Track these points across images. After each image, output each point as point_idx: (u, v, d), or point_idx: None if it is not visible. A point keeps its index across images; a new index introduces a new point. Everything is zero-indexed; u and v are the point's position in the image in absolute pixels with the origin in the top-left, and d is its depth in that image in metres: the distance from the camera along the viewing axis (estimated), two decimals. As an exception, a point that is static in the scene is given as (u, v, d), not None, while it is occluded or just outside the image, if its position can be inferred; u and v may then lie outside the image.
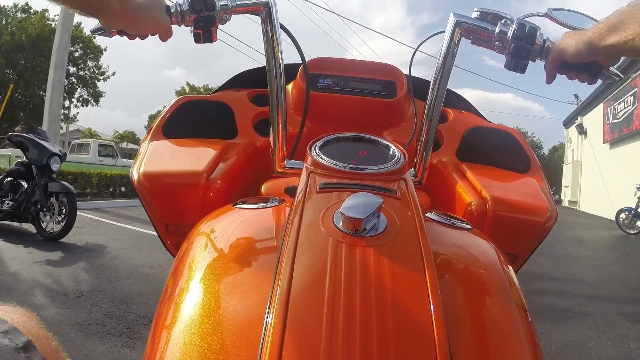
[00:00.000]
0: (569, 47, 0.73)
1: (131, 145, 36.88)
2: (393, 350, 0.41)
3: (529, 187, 1.09)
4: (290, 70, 1.10)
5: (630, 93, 12.94)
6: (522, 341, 0.53)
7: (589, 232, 9.80)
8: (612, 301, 3.86)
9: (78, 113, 25.75)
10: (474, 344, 0.50)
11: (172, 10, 0.76)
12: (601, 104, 16.00)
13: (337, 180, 0.71)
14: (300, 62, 1.06)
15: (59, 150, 5.30)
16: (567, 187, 21.29)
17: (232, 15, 0.80)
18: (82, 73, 23.62)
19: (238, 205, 0.73)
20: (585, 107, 19.20)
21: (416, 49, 1.09)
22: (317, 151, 0.80)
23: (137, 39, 0.76)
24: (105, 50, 23.84)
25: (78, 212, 5.05)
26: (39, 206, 4.98)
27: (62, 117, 23.36)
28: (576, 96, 25.44)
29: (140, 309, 2.85)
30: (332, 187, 0.68)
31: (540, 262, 5.22)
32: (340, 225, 0.55)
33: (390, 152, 0.82)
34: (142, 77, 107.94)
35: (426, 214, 0.75)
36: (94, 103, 24.28)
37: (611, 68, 0.76)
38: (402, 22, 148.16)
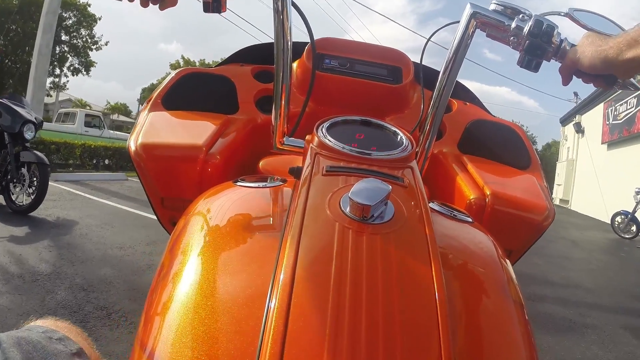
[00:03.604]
0: (584, 59, 0.70)
1: (122, 118, 36.29)
2: (399, 341, 0.40)
3: (529, 184, 1.10)
4: (296, 49, 1.06)
5: (634, 94, 12.70)
6: (517, 333, 0.53)
7: (583, 233, 9.59)
8: (614, 312, 3.64)
9: (68, 81, 25.03)
10: (474, 335, 0.50)
11: None
12: (602, 104, 15.75)
13: (343, 163, 0.69)
14: (307, 41, 1.04)
15: (35, 118, 4.94)
16: (559, 185, 21.11)
17: None
18: (74, 41, 22.90)
19: (238, 183, 0.70)
20: (585, 106, 18.96)
21: (429, 38, 1.06)
22: (324, 132, 0.77)
23: (150, 4, 0.71)
24: (100, 19, 23.11)
25: (56, 184, 4.77)
26: (9, 176, 4.65)
27: (52, 85, 22.79)
28: (576, 94, 25.23)
29: (100, 298, 2.55)
30: (339, 170, 0.66)
31: (535, 263, 5.06)
32: (347, 210, 0.53)
33: (398, 139, 0.80)
34: (138, 49, 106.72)
35: (429, 204, 0.73)
36: (85, 72, 23.57)
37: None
38: (403, 8, 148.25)
